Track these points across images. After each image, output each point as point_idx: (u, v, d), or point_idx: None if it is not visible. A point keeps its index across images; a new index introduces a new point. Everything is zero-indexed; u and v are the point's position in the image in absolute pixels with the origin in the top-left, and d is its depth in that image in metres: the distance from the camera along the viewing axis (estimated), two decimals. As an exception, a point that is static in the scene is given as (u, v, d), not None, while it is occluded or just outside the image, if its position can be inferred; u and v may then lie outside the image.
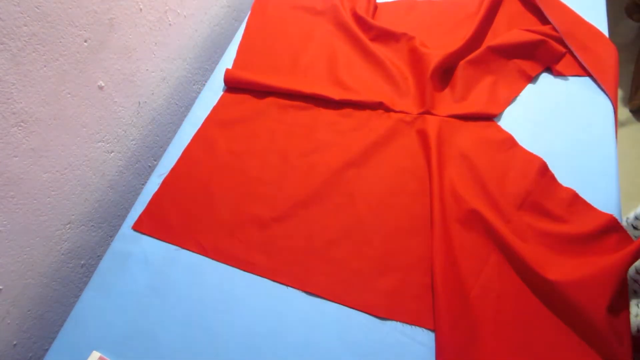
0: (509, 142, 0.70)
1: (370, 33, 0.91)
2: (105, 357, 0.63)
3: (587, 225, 0.58)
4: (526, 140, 0.69)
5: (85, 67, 0.74)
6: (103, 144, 0.82)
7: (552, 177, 0.64)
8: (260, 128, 0.84)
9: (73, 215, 0.79)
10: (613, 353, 0.49)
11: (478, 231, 0.61)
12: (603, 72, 0.72)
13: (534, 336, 0.53)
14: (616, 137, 0.67)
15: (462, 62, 0.79)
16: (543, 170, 0.65)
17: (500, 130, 0.72)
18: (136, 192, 0.93)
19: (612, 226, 0.57)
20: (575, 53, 0.75)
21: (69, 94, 0.72)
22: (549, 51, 0.76)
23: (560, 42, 0.77)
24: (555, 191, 0.63)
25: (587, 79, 0.73)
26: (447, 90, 0.79)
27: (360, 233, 0.67)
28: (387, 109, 0.79)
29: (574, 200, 0.61)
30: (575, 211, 0.60)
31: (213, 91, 0.94)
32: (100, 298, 0.70)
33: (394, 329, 0.57)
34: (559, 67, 0.76)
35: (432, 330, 0.56)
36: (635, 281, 0.67)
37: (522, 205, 0.62)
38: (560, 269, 0.54)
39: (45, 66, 0.66)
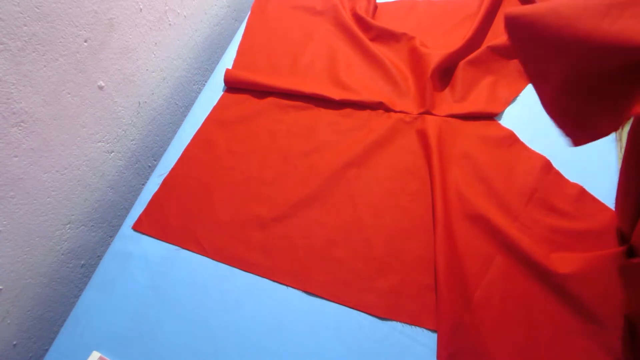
0: (511, 138, 0.70)
1: (370, 33, 0.91)
2: (105, 357, 0.63)
3: (596, 220, 0.58)
4: (526, 140, 0.69)
5: (85, 67, 0.74)
6: (103, 144, 0.82)
7: (558, 173, 0.64)
8: (260, 128, 0.84)
9: (73, 215, 0.79)
10: (623, 350, 0.49)
11: (483, 231, 0.61)
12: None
13: (539, 337, 0.53)
14: (616, 137, 0.67)
15: (462, 62, 0.79)
16: (547, 166, 0.65)
17: (500, 127, 0.71)
18: (136, 192, 0.93)
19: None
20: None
21: (69, 94, 0.72)
22: (549, 51, 0.76)
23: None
24: (562, 187, 0.62)
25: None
26: (447, 90, 0.79)
27: (360, 233, 0.66)
28: (387, 109, 0.79)
29: (581, 195, 0.61)
30: (583, 206, 0.60)
31: (213, 91, 0.94)
32: (100, 298, 0.70)
33: (394, 329, 0.57)
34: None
35: (433, 331, 0.56)
36: None
37: (529, 201, 0.62)
38: (569, 265, 0.53)
39: (45, 66, 0.66)
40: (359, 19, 0.93)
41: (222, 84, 0.94)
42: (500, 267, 0.58)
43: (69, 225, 0.78)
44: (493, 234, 0.60)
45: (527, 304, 0.55)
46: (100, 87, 0.78)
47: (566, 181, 0.63)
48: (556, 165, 0.65)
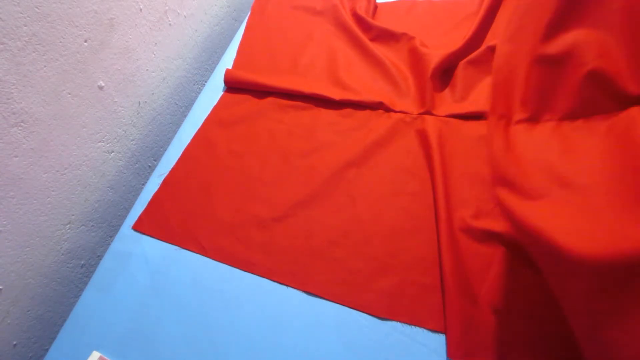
0: None
1: (370, 33, 0.91)
2: (105, 357, 0.63)
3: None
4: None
5: (85, 67, 0.74)
6: (103, 144, 0.82)
7: None
8: (260, 128, 0.84)
9: (73, 215, 0.79)
10: None
11: (485, 229, 0.61)
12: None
13: (548, 330, 0.53)
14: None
15: (462, 62, 0.79)
16: None
17: None
18: (136, 192, 0.93)
19: None
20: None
21: (69, 94, 0.72)
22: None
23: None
24: None
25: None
26: (447, 90, 0.79)
27: (360, 233, 0.66)
28: (387, 109, 0.79)
29: None
30: None
31: (213, 91, 0.94)
32: (100, 298, 0.70)
33: (394, 329, 0.57)
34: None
35: (433, 331, 0.56)
36: None
37: None
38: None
39: (45, 66, 0.66)
40: (359, 19, 0.93)
41: (222, 84, 0.94)
42: (503, 263, 0.58)
43: (69, 225, 0.78)
44: (495, 232, 0.60)
45: (533, 297, 0.55)
46: (100, 87, 0.78)
47: None
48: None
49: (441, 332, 0.55)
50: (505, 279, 0.57)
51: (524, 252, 0.57)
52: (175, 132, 0.93)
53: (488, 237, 0.61)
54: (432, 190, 0.67)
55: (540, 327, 0.53)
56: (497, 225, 0.60)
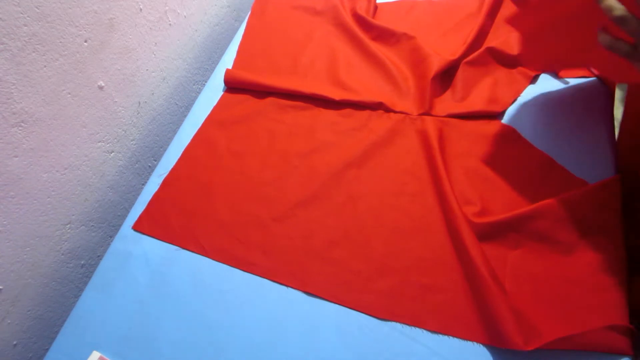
0: (514, 134, 0.69)
1: (370, 33, 0.91)
2: (105, 357, 0.63)
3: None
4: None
5: (85, 67, 0.74)
6: (103, 144, 0.82)
7: (562, 168, 0.64)
8: (260, 128, 0.84)
9: (73, 215, 0.79)
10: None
11: (492, 227, 0.61)
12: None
13: (572, 304, 0.54)
14: (616, 137, 0.67)
15: (462, 63, 0.79)
16: (551, 162, 0.65)
17: (502, 125, 0.71)
18: (136, 192, 0.93)
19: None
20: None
21: (69, 94, 0.72)
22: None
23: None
24: (568, 181, 0.62)
25: (586, 79, 0.73)
26: (447, 91, 0.79)
27: (360, 234, 0.66)
28: (387, 109, 0.79)
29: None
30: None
31: (213, 91, 0.94)
32: (100, 298, 0.70)
33: (394, 329, 0.57)
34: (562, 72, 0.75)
35: (432, 331, 0.56)
36: None
37: (535, 196, 0.62)
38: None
39: (45, 66, 0.66)
40: (359, 19, 0.93)
41: (222, 84, 0.94)
42: (516, 258, 0.58)
43: (69, 225, 0.78)
44: (501, 229, 0.60)
45: (555, 283, 0.55)
46: (100, 87, 0.78)
47: (572, 176, 0.63)
48: (556, 165, 0.65)
49: (441, 333, 0.56)
50: (522, 269, 0.58)
51: (533, 245, 0.58)
52: (175, 132, 0.93)
53: (494, 233, 0.60)
54: (435, 190, 0.67)
55: (566, 304, 0.54)
56: (501, 222, 0.60)
